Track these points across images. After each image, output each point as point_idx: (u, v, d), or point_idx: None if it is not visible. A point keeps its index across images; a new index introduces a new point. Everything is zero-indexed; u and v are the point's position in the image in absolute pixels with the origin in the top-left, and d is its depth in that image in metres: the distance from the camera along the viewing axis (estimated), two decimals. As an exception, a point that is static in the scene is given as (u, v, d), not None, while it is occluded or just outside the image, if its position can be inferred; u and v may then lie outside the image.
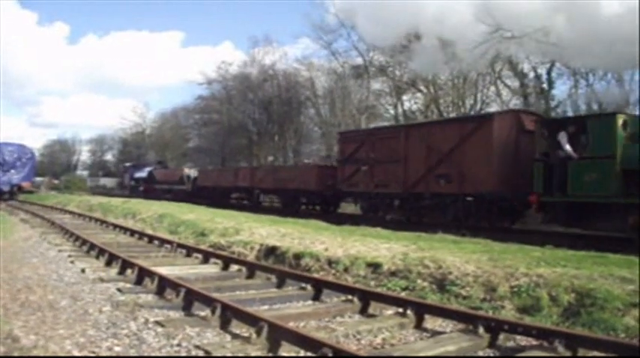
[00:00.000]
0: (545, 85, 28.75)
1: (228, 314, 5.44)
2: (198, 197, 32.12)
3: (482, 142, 14.93)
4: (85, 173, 77.53)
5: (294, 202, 24.09)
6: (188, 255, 10.54)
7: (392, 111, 36.43)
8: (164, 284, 6.98)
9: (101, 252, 9.92)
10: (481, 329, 5.08)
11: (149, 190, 40.78)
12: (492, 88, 31.22)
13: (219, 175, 32.35)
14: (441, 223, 15.24)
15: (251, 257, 9.93)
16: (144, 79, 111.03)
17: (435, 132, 16.82)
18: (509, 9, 19.91)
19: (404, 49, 33.21)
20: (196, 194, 33.20)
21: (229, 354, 4.54)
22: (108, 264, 9.09)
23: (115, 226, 15.65)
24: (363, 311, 6.27)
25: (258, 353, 4.63)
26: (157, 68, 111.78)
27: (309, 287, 7.13)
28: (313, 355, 4.35)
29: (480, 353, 4.91)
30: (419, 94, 34.24)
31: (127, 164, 52.61)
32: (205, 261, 9.83)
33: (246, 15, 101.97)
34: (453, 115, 31.37)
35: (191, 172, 35.65)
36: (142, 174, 44.78)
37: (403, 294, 6.91)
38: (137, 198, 33.83)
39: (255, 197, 27.75)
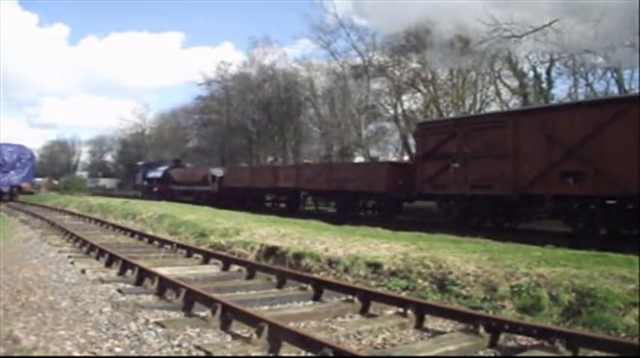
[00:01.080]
0: (544, 85, 28.76)
1: (229, 315, 5.44)
2: (224, 199, 29.36)
3: (630, 130, 12.21)
4: (85, 174, 77.51)
5: (352, 207, 21.20)
6: (188, 256, 10.53)
7: (391, 111, 36.43)
8: (164, 285, 6.98)
9: (101, 252, 9.91)
10: (482, 329, 5.07)
11: (164, 192, 37.61)
12: (492, 88, 31.25)
13: (253, 175, 28.71)
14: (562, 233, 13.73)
15: (251, 257, 9.92)
16: (144, 79, 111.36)
17: (558, 120, 13.98)
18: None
19: (404, 49, 33.29)
20: (223, 196, 30.25)
21: (230, 355, 4.54)
22: (108, 264, 9.08)
23: (115, 227, 15.65)
24: (364, 312, 6.27)
25: (259, 354, 4.63)
26: (156, 69, 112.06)
27: (309, 287, 7.12)
28: (314, 355, 4.35)
29: (481, 353, 4.91)
30: (418, 94, 34.25)
31: (140, 163, 48.68)
32: (205, 261, 9.83)
33: (246, 16, 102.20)
34: (451, 115, 31.43)
35: (216, 171, 32.25)
36: (157, 173, 41.25)
37: (403, 294, 6.91)
38: (151, 199, 32.43)
39: (301, 200, 24.94)
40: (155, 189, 39.82)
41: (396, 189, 18.77)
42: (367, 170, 20.96)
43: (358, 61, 37.85)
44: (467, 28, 26.98)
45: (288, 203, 26.33)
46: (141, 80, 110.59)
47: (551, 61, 28.27)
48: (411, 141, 34.88)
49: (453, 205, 16.83)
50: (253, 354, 4.61)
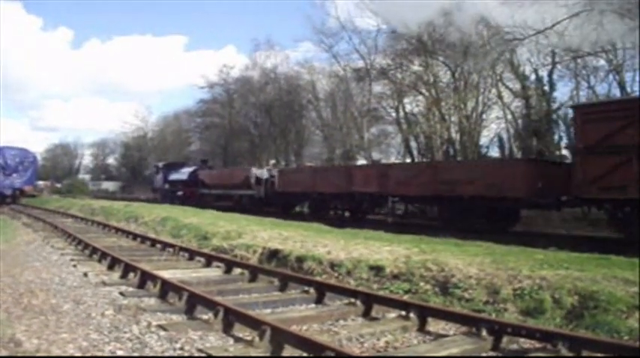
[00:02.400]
0: (546, 87, 28.74)
1: (231, 318, 5.44)
2: (273, 206, 25.84)
3: None
4: (87, 177, 77.57)
5: (467, 216, 16.51)
6: (190, 259, 10.53)
7: (393, 114, 36.42)
8: (167, 288, 6.98)
9: (103, 255, 9.92)
10: (484, 332, 5.07)
11: (192, 196, 33.36)
12: (493, 91, 31.20)
13: (316, 177, 23.39)
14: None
15: (253, 260, 9.92)
16: (146, 83, 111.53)
17: None
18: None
19: (406, 52, 33.31)
20: (271, 202, 26.26)
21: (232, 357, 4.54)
22: (110, 267, 9.09)
23: (118, 230, 15.66)
24: (366, 315, 6.26)
25: (261, 357, 4.63)
26: (159, 72, 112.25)
27: (311, 290, 7.13)
28: (316, 358, 4.35)
29: (484, 356, 4.90)
30: (420, 97, 34.21)
31: (159, 164, 42.60)
32: (208, 264, 9.83)
33: (249, 19, 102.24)
34: (454, 119, 31.43)
35: (263, 172, 27.53)
36: (181, 175, 36.45)
37: (406, 297, 6.90)
38: (174, 205, 28.74)
39: (389, 209, 19.78)
40: (179, 193, 35.52)
41: (538, 194, 14.75)
42: (494, 169, 16.46)
43: (360, 64, 37.85)
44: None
45: (364, 211, 21.44)
46: (144, 83, 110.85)
47: (553, 64, 28.25)
48: (413, 143, 34.94)
49: (631, 213, 12.91)
50: (255, 357, 4.60)
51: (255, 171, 27.86)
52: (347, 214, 22.08)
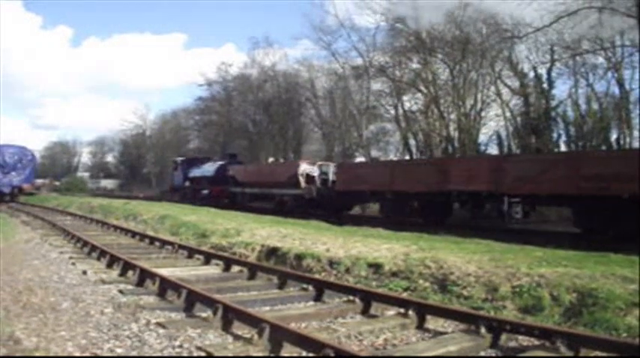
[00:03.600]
0: (545, 85, 28.75)
1: (230, 316, 5.44)
2: (329, 208, 21.43)
3: None
4: (86, 175, 77.48)
5: (623, 222, 12.55)
6: (189, 257, 10.53)
7: (392, 112, 36.42)
8: (165, 286, 6.98)
9: (102, 253, 9.92)
10: (483, 330, 5.08)
11: (220, 196, 29.24)
12: (492, 88, 31.21)
13: (395, 172, 18.92)
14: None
15: (252, 258, 9.92)
16: (146, 81, 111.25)
17: None
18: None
19: (404, 49, 33.31)
20: (326, 203, 21.65)
21: (231, 355, 4.55)
22: (109, 265, 9.09)
23: (117, 228, 15.65)
24: (365, 312, 6.27)
25: (260, 354, 4.64)
26: (159, 70, 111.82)
27: (310, 288, 7.13)
28: (315, 356, 4.35)
29: (482, 354, 4.91)
30: (419, 95, 34.21)
31: (179, 159, 38.02)
32: (207, 262, 9.84)
33: (248, 17, 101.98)
34: (453, 116, 31.44)
35: (311, 169, 23.03)
36: (206, 172, 32.10)
37: (405, 295, 6.91)
38: (194, 205, 25.65)
39: (504, 212, 15.40)
40: (205, 191, 30.78)
41: None
42: None
43: (359, 61, 37.79)
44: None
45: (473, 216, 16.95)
46: (143, 81, 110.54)
47: (552, 62, 28.25)
48: (412, 141, 34.93)
49: None
50: (254, 355, 4.61)
51: (306, 167, 23.28)
52: (434, 218, 17.51)
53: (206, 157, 37.00)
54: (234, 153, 36.05)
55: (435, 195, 17.25)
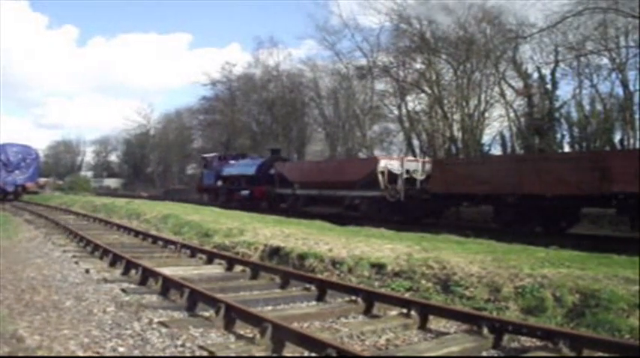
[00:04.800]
0: (549, 86, 28.71)
1: (233, 315, 5.44)
2: (419, 213, 18.71)
3: None
4: (89, 174, 77.69)
5: None
6: (192, 256, 10.54)
7: (396, 112, 36.40)
8: (168, 285, 6.99)
9: (105, 252, 9.93)
10: (485, 330, 5.07)
11: (263, 197, 25.71)
12: (496, 89, 31.17)
13: (524, 169, 15.01)
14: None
15: (255, 257, 9.93)
16: (151, 81, 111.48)
17: None
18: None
19: (408, 49, 33.30)
20: (418, 207, 18.50)
21: (233, 355, 4.55)
22: (112, 264, 9.11)
23: (120, 227, 15.67)
24: (367, 312, 6.27)
25: (262, 354, 4.64)
26: (163, 70, 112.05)
27: (313, 287, 7.13)
28: (317, 355, 4.35)
29: (484, 354, 4.90)
30: (423, 95, 34.19)
31: (209, 155, 34.18)
32: (209, 261, 9.84)
33: (253, 17, 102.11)
34: (456, 117, 31.40)
35: (393, 165, 19.15)
36: (245, 169, 28.07)
37: (407, 295, 6.90)
38: (228, 208, 22.88)
39: None
40: (244, 192, 26.94)
41: None
42: None
43: (363, 61, 37.82)
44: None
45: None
46: (148, 81, 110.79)
47: (556, 62, 28.21)
48: (416, 141, 34.92)
49: None
50: (257, 354, 4.61)
51: (387, 163, 19.27)
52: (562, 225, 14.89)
53: (241, 154, 33.76)
54: (278, 148, 32.58)
55: (583, 199, 13.83)
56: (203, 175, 33.17)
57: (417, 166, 19.28)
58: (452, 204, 18.51)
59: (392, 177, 18.75)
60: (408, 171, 18.82)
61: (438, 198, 17.45)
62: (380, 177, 18.65)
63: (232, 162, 30.28)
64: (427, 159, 20.00)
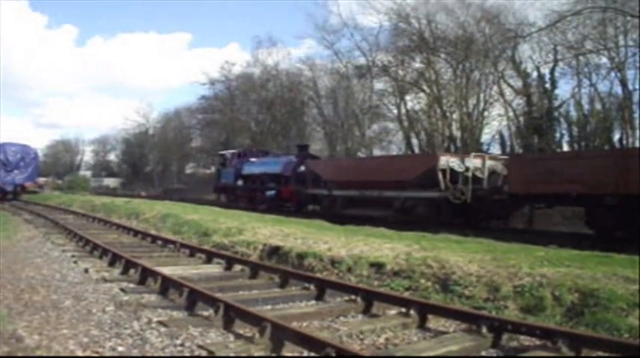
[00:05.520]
0: (548, 85, 28.72)
1: (232, 314, 5.44)
2: (486, 218, 16.87)
3: None
4: (88, 173, 77.62)
5: None
6: (191, 255, 10.54)
7: (395, 111, 36.41)
8: (167, 284, 6.99)
9: (104, 252, 9.93)
10: (484, 329, 5.07)
11: (292, 198, 23.71)
12: (495, 88, 31.19)
13: (631, 164, 12.38)
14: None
15: (254, 257, 9.93)
16: (150, 80, 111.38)
17: None
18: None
19: (407, 48, 33.29)
20: (487, 211, 16.50)
21: (232, 354, 4.55)
22: (111, 264, 9.11)
23: (119, 226, 15.67)
24: (366, 311, 6.27)
25: (262, 353, 4.64)
26: (163, 70, 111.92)
27: (312, 287, 7.13)
28: (316, 355, 4.35)
29: (484, 353, 4.90)
30: (422, 94, 34.20)
31: (229, 151, 31.40)
32: (208, 260, 9.84)
33: (253, 16, 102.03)
34: (455, 116, 31.41)
35: (454, 161, 16.94)
36: (270, 167, 25.77)
37: (406, 294, 6.90)
38: (250, 210, 21.42)
39: None
40: (270, 193, 24.62)
41: None
42: None
43: (362, 60, 37.83)
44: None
45: None
46: (147, 81, 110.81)
47: (555, 61, 28.22)
48: (415, 140, 34.92)
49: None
50: (256, 354, 4.61)
51: (449, 160, 17.05)
52: None
53: (262, 150, 31.73)
54: (306, 144, 29.89)
55: None
56: (220, 174, 30.91)
57: (479, 163, 16.87)
58: (534, 205, 16.36)
59: (454, 175, 16.58)
60: (468, 169, 16.47)
61: (517, 198, 15.12)
62: (440, 175, 16.51)
63: (253, 159, 28.00)
64: (489, 154, 17.41)
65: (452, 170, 16.48)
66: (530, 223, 15.34)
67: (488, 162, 16.82)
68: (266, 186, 25.22)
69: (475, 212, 16.25)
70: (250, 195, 26.64)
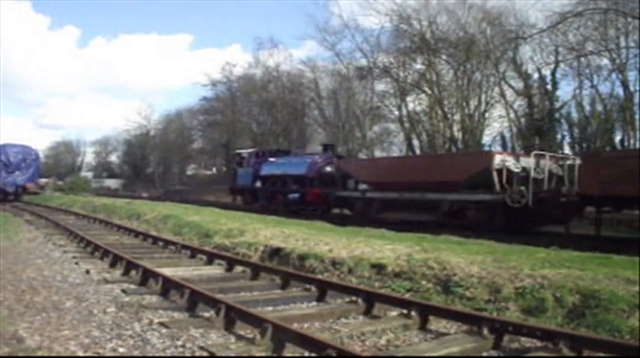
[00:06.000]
0: (549, 86, 28.74)
1: (233, 316, 5.44)
2: (550, 223, 15.57)
3: None
4: (90, 174, 77.69)
5: None
6: (192, 256, 10.53)
7: (396, 113, 36.42)
8: (168, 286, 6.98)
9: (106, 253, 9.93)
10: (485, 331, 5.06)
11: (318, 201, 22.01)
12: (496, 89, 31.20)
13: None
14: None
15: (255, 258, 9.92)
16: (152, 81, 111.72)
17: None
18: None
19: (408, 50, 33.30)
20: (553, 215, 14.92)
21: (234, 355, 4.55)
22: (112, 265, 9.10)
23: (120, 227, 15.67)
24: (367, 313, 6.26)
25: (263, 354, 4.64)
26: (164, 71, 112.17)
27: (313, 288, 7.13)
28: (317, 356, 4.35)
29: (485, 355, 4.90)
30: (423, 95, 34.21)
31: (246, 151, 29.56)
32: (209, 262, 9.84)
33: (254, 18, 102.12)
34: (457, 117, 31.42)
35: (509, 160, 15.49)
36: (293, 168, 24.07)
37: (407, 296, 6.90)
38: (267, 215, 18.99)
39: None
40: (295, 195, 23.14)
41: None
42: None
43: (363, 62, 37.91)
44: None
45: None
46: (148, 82, 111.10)
47: (556, 63, 28.24)
48: (416, 142, 34.94)
49: None
50: (257, 355, 4.61)
51: (505, 159, 15.46)
52: None
53: (281, 150, 30.23)
54: (331, 143, 28.32)
55: None
56: (237, 174, 28.51)
57: (534, 163, 15.39)
58: (609, 208, 14.19)
59: (510, 176, 15.15)
60: (524, 169, 15.20)
61: (591, 200, 13.65)
62: (496, 176, 15.03)
63: (272, 159, 26.19)
64: (544, 153, 16.07)
65: (509, 170, 15.10)
66: (598, 229, 13.68)
67: (546, 162, 15.39)
68: (288, 188, 23.70)
69: (535, 216, 14.72)
70: (270, 198, 25.00)
